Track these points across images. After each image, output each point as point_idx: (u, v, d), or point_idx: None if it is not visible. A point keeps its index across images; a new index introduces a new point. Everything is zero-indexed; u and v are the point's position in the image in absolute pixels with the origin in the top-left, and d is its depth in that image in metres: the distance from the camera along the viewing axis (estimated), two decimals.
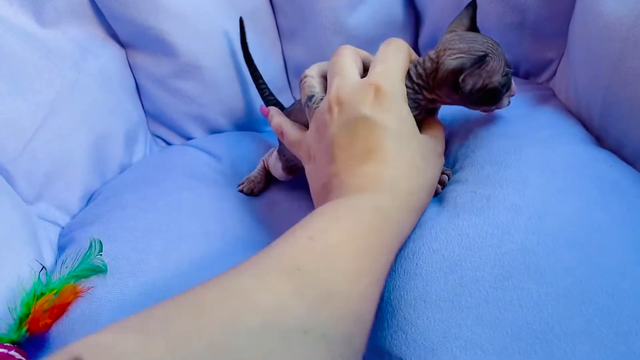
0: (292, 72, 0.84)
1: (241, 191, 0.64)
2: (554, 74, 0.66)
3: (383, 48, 0.50)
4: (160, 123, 0.81)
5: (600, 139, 0.55)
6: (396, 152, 0.43)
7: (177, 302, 0.30)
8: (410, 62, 0.50)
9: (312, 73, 0.53)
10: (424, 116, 0.51)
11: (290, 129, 0.54)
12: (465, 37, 0.48)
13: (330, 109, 0.46)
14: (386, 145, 0.43)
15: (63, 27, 0.68)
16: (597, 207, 0.43)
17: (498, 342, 0.36)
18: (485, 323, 0.37)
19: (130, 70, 0.78)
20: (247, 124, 0.81)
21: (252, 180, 0.64)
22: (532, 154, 0.50)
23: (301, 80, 0.54)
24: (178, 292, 0.47)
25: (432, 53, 0.48)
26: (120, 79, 0.75)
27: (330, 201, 0.41)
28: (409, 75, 0.48)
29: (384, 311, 0.41)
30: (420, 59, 0.49)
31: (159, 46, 0.72)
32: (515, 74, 0.70)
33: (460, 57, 0.46)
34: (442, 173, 0.51)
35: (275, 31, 0.81)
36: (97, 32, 0.73)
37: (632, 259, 0.39)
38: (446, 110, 0.57)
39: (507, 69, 0.47)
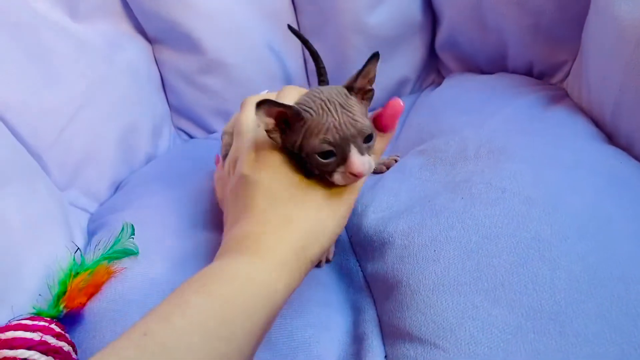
0: (311, 70, 0.86)
1: None
2: (568, 74, 0.68)
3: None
4: (184, 116, 0.85)
5: (611, 137, 0.57)
6: (266, 207, 0.40)
7: None
8: None
9: (229, 130, 0.54)
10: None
11: (219, 189, 0.54)
12: (318, 90, 0.43)
13: (228, 171, 0.47)
14: (256, 201, 0.41)
15: (94, 23, 0.71)
16: (607, 200, 0.46)
17: (513, 322, 0.38)
18: (501, 305, 0.39)
19: (156, 65, 0.81)
20: None
21: None
22: (546, 150, 0.52)
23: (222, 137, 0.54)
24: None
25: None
26: (147, 73, 0.78)
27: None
28: None
29: (404, 295, 0.44)
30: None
31: (186, 42, 0.75)
32: (529, 74, 0.72)
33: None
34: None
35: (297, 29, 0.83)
36: (125, 28, 0.76)
37: (636, 245, 0.41)
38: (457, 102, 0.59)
39: (330, 138, 0.40)
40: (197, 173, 0.67)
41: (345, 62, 0.79)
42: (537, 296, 0.39)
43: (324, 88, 0.43)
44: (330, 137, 0.40)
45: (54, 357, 0.42)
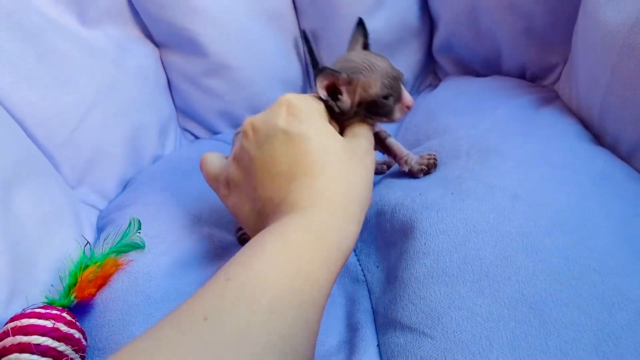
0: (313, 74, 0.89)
1: None
2: (559, 77, 0.70)
3: None
4: (189, 118, 0.87)
5: (598, 138, 0.59)
6: (321, 160, 0.42)
7: None
8: None
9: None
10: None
11: (211, 160, 0.52)
12: (349, 57, 0.51)
13: (246, 134, 0.46)
14: (309, 155, 0.42)
15: (103, 27, 0.74)
16: (590, 197, 0.48)
17: (496, 311, 0.40)
18: (485, 295, 0.42)
19: (163, 68, 0.84)
20: None
21: None
22: (534, 149, 0.55)
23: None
24: (207, 269, 0.52)
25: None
26: (154, 76, 0.81)
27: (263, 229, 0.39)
28: None
29: (396, 287, 0.46)
30: None
31: (191, 46, 0.78)
32: (522, 77, 0.74)
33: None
34: (429, 158, 0.55)
35: (298, 33, 0.86)
36: (134, 32, 0.79)
37: (618, 242, 0.43)
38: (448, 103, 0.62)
39: (386, 81, 0.49)
40: (199, 173, 0.69)
41: None
42: (519, 287, 0.41)
43: (348, 54, 0.52)
44: (386, 81, 0.49)
45: (65, 343, 0.44)
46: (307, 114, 0.44)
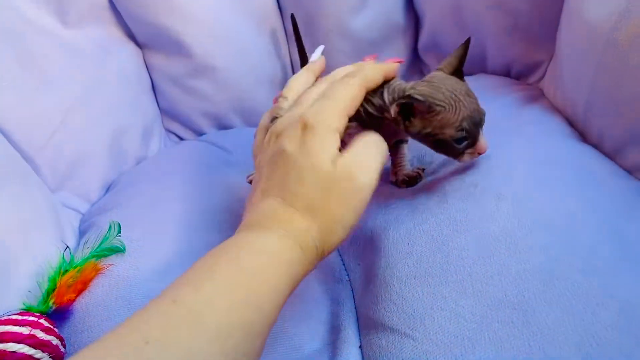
0: None
1: (250, 182, 0.68)
2: (544, 75, 0.70)
3: (334, 81, 0.48)
4: (174, 119, 0.86)
5: (583, 135, 0.59)
6: (297, 191, 0.41)
7: None
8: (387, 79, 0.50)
9: (289, 95, 0.52)
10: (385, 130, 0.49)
11: (260, 134, 0.52)
12: (437, 82, 0.47)
13: (269, 139, 0.46)
14: (290, 181, 0.41)
15: (85, 29, 0.73)
16: (574, 195, 0.48)
17: (479, 312, 0.40)
18: (468, 296, 0.41)
19: (146, 70, 0.83)
20: (257, 120, 0.85)
21: None
22: (519, 147, 0.54)
23: (276, 100, 0.53)
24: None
25: (410, 85, 0.48)
26: (137, 77, 0.80)
27: (222, 242, 0.39)
28: (382, 93, 0.48)
29: (378, 287, 0.46)
30: (399, 84, 0.49)
31: (175, 47, 0.77)
32: (508, 74, 0.74)
33: (409, 96, 0.46)
34: (415, 171, 0.54)
35: (282, 33, 0.85)
36: (116, 34, 0.78)
37: (602, 240, 0.43)
38: None
39: (466, 126, 0.45)
40: (184, 174, 0.69)
41: (330, 65, 0.80)
42: (502, 287, 0.41)
43: (438, 76, 0.48)
44: (466, 125, 0.45)
45: (42, 350, 0.43)
46: (317, 138, 0.42)
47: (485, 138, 0.47)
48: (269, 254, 0.38)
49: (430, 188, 0.52)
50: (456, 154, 0.48)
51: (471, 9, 0.72)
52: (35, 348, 0.43)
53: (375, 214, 0.52)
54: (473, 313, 0.40)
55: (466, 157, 0.48)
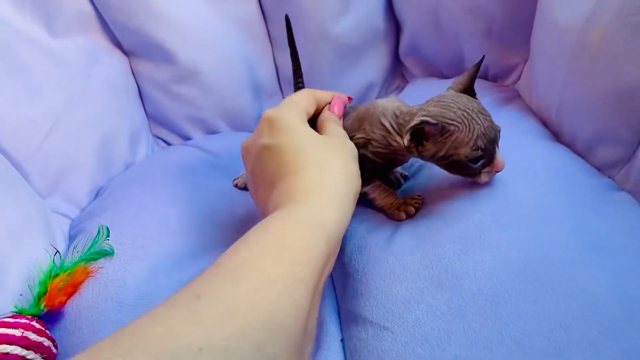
0: (283, 79, 0.90)
1: (236, 186, 0.70)
2: (520, 77, 0.72)
3: None
4: (161, 125, 0.88)
5: (556, 135, 0.61)
6: (294, 162, 0.44)
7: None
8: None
9: None
10: (398, 160, 0.52)
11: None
12: (447, 101, 0.46)
13: (242, 156, 0.52)
14: (284, 160, 0.44)
15: (72, 37, 0.74)
16: (548, 193, 0.50)
17: (454, 305, 0.42)
18: (444, 290, 0.43)
19: (133, 77, 0.84)
20: (243, 124, 0.87)
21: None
22: None
23: None
24: (175, 274, 0.53)
25: (417, 107, 0.49)
26: (124, 84, 0.82)
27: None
28: (389, 119, 0.50)
29: (359, 282, 0.47)
30: (406, 109, 0.49)
31: (160, 54, 0.78)
32: (485, 77, 0.76)
33: (420, 120, 0.45)
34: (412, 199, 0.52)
35: (267, 39, 0.87)
36: (103, 42, 0.79)
37: (573, 235, 0.45)
38: None
39: (481, 144, 0.45)
40: (170, 178, 0.70)
41: (313, 70, 0.83)
42: (476, 280, 0.43)
43: (448, 95, 0.48)
44: (481, 144, 0.44)
45: (34, 351, 0.45)
46: (286, 121, 0.47)
47: (501, 154, 0.47)
48: (294, 219, 0.40)
49: (410, 189, 0.54)
50: (473, 174, 0.47)
51: (448, 14, 0.75)
52: (27, 349, 0.44)
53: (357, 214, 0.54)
54: (449, 306, 0.42)
55: (484, 177, 0.47)
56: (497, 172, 0.47)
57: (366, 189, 0.52)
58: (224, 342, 0.30)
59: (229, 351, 0.30)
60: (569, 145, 0.59)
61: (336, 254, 0.41)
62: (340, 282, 0.51)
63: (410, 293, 0.44)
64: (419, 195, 0.52)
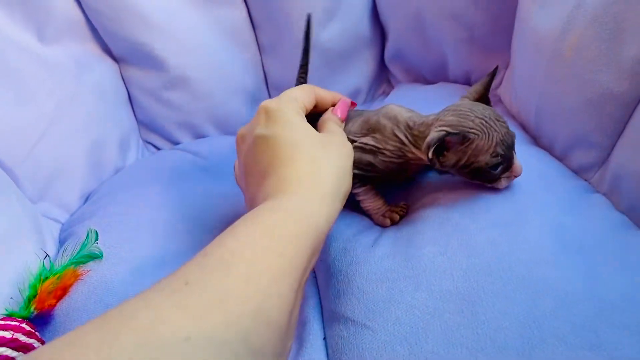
0: (272, 85, 0.91)
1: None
2: (501, 82, 0.74)
3: None
4: (151, 130, 0.89)
5: (535, 139, 0.63)
6: (289, 153, 0.44)
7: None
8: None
9: None
10: (411, 169, 0.54)
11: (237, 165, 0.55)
12: (464, 110, 0.47)
13: (236, 143, 0.52)
14: (279, 151, 0.45)
15: (62, 44, 0.75)
16: (524, 195, 0.51)
17: (432, 304, 0.43)
18: (422, 289, 0.45)
19: (123, 83, 0.85)
20: (232, 129, 0.88)
21: None
22: None
23: None
24: (163, 277, 0.54)
25: (432, 117, 0.49)
26: (114, 90, 0.83)
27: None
28: (403, 131, 0.50)
29: (342, 282, 0.49)
30: (419, 120, 0.50)
31: (149, 60, 0.80)
32: (468, 82, 0.78)
33: (442, 131, 0.46)
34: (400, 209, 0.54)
35: (255, 46, 0.88)
36: (93, 49, 0.80)
37: (547, 236, 0.47)
38: None
39: (500, 151, 0.46)
40: (159, 181, 0.71)
41: None
42: (453, 281, 0.44)
43: (464, 104, 0.48)
44: (500, 150, 0.46)
45: (24, 353, 0.45)
46: (284, 114, 0.47)
47: (518, 160, 0.48)
48: (284, 210, 0.40)
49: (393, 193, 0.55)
50: (493, 180, 0.48)
51: (431, 21, 0.76)
52: (17, 351, 0.45)
53: (342, 218, 0.55)
54: (427, 305, 0.43)
55: (503, 182, 0.49)
56: (515, 176, 0.49)
57: (358, 190, 0.53)
58: (208, 331, 0.30)
59: (216, 340, 0.30)
60: (548, 149, 0.60)
61: (319, 251, 0.42)
62: (324, 282, 0.52)
63: (390, 293, 0.45)
64: (404, 204, 0.54)
